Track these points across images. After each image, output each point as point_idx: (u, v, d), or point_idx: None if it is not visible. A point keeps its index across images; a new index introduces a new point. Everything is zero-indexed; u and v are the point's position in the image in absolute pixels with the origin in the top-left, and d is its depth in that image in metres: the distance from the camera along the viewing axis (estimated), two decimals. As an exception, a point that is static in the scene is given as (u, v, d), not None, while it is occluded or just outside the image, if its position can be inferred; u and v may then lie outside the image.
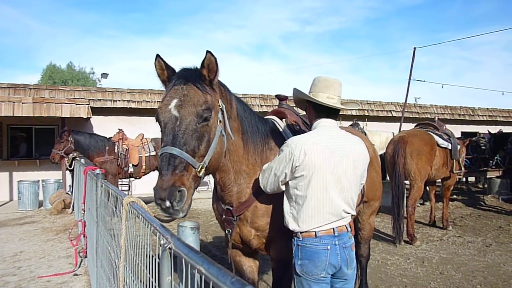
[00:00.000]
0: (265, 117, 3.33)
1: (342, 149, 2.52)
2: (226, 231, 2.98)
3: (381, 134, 11.37)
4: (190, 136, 2.27)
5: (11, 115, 10.72)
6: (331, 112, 2.66)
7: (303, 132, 3.28)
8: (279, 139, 3.14)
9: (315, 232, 2.46)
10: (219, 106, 2.49)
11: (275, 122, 3.31)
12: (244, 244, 3.06)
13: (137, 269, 2.19)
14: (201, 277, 1.24)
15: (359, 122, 11.63)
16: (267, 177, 2.60)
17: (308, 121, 3.48)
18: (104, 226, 3.56)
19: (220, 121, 2.47)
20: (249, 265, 3.31)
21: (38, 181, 11.75)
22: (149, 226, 1.85)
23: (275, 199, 2.90)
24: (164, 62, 2.52)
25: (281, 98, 3.67)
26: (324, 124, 2.61)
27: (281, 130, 3.25)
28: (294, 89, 2.85)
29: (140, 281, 2.11)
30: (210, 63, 2.42)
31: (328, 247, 2.45)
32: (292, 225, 2.55)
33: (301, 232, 2.50)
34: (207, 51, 2.39)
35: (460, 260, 6.41)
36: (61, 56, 69.20)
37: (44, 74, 37.73)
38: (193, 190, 2.27)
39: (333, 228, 2.48)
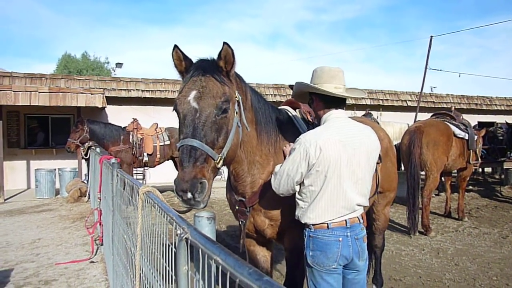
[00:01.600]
0: (279, 107, 3.32)
1: (355, 140, 2.48)
2: (240, 222, 2.99)
3: (394, 125, 11.23)
4: (210, 128, 2.27)
5: (28, 104, 10.89)
6: (340, 102, 2.62)
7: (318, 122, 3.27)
8: (293, 129, 3.13)
9: (327, 223, 2.45)
10: (236, 97, 2.48)
11: (288, 112, 3.30)
12: (258, 234, 3.08)
13: (153, 258, 2.21)
14: (217, 267, 1.25)
15: (372, 112, 11.48)
16: (279, 179, 2.53)
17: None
18: (120, 215, 3.60)
19: (236, 112, 2.46)
20: (263, 254, 3.33)
21: (55, 169, 11.94)
22: (165, 215, 1.85)
23: None
24: (182, 52, 2.51)
25: (294, 88, 3.64)
26: (337, 116, 2.56)
27: (294, 120, 3.23)
28: (297, 82, 2.81)
29: (156, 270, 2.13)
30: (227, 55, 2.42)
31: (340, 239, 2.44)
32: (304, 219, 2.53)
33: (313, 224, 2.49)
34: (224, 43, 2.38)
35: (476, 251, 6.34)
36: (76, 45, 69.93)
37: (59, 64, 38.07)
38: (212, 181, 2.29)
39: (346, 220, 2.46)
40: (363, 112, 11.58)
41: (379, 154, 3.91)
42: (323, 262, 2.45)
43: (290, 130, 3.09)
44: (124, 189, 3.40)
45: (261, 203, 2.89)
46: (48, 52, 73.97)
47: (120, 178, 3.59)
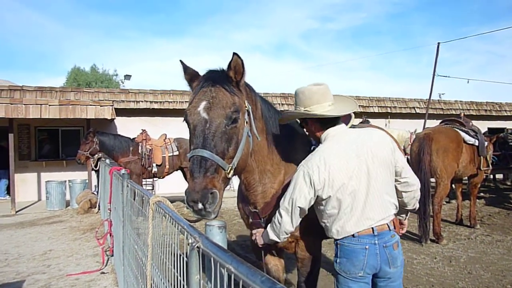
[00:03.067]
0: None
1: (360, 152, 2.43)
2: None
3: (393, 132, 11.12)
4: (220, 138, 2.28)
5: (39, 117, 11.02)
6: (337, 118, 2.57)
7: None
8: (303, 138, 3.14)
9: (353, 233, 2.41)
10: (246, 107, 2.49)
11: (297, 121, 3.31)
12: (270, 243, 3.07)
13: (164, 268, 2.21)
14: (229, 276, 1.25)
15: (369, 120, 11.36)
16: (291, 214, 2.48)
17: None
18: (131, 225, 3.62)
19: (246, 122, 2.47)
20: (274, 263, 3.32)
21: (65, 181, 12.04)
22: (177, 225, 1.87)
23: None
24: (188, 68, 2.61)
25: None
26: (333, 134, 2.53)
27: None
28: (286, 112, 2.82)
29: (168, 280, 2.13)
30: (236, 65, 2.43)
31: (367, 247, 2.38)
32: (329, 234, 2.53)
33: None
34: (234, 53, 2.39)
35: (489, 259, 6.25)
36: (85, 58, 70.80)
37: (69, 77, 38.56)
38: (223, 191, 2.29)
39: (372, 228, 2.40)
40: (360, 120, 11.47)
41: None
42: (349, 269, 2.42)
43: (300, 139, 3.10)
44: (134, 199, 3.42)
45: (273, 213, 2.89)
46: (57, 65, 75.14)
47: (130, 188, 3.61)
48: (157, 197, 2.41)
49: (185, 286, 1.74)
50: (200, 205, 2.11)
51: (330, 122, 2.55)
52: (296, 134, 3.11)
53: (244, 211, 3.12)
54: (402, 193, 2.64)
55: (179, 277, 1.87)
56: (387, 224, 2.45)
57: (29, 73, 69.40)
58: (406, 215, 2.96)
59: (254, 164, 2.73)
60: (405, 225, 3.05)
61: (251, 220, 2.98)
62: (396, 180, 2.58)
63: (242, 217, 3.32)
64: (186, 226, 1.73)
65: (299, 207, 2.43)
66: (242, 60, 2.42)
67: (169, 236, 2.10)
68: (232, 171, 2.32)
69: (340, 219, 2.42)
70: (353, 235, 2.40)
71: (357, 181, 2.39)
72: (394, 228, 2.53)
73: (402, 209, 2.75)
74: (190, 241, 1.59)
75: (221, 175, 2.25)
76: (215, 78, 2.43)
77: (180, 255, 1.85)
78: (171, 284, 2.01)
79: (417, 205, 2.79)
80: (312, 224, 2.98)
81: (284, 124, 2.99)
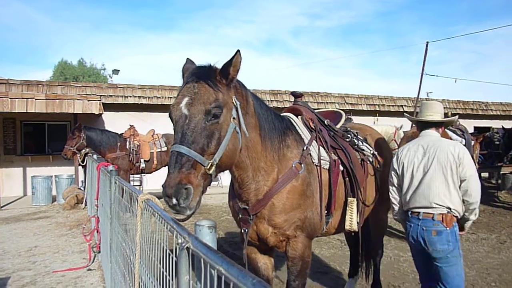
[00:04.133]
0: (281, 114, 3.32)
1: (430, 151, 3.26)
2: (242, 230, 2.97)
3: (378, 127, 11.08)
4: (199, 134, 2.26)
5: (25, 111, 10.85)
6: (428, 124, 3.47)
7: (319, 129, 3.28)
8: (296, 136, 3.13)
9: (409, 212, 3.35)
10: (233, 103, 2.47)
11: (291, 119, 3.30)
12: (261, 242, 3.06)
13: (152, 266, 2.19)
14: (219, 277, 1.24)
15: (352, 118, 11.31)
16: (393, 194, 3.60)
17: (322, 118, 3.48)
18: (118, 222, 3.58)
19: (233, 118, 2.45)
20: (264, 262, 3.31)
21: (51, 176, 11.89)
22: (166, 224, 1.85)
23: (293, 197, 2.90)
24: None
25: (296, 95, 3.65)
26: (425, 134, 3.45)
27: (297, 127, 3.24)
28: (407, 115, 4.10)
29: (156, 279, 2.11)
30: (237, 62, 2.44)
31: (411, 225, 3.32)
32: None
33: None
34: (238, 50, 2.42)
35: (474, 257, 6.34)
36: (72, 52, 69.67)
37: (55, 70, 38.07)
38: (203, 187, 2.24)
39: (419, 212, 3.25)
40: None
41: (379, 161, 3.95)
42: (408, 236, 3.41)
43: (293, 137, 3.10)
44: (122, 196, 3.38)
45: (264, 211, 2.88)
46: (44, 59, 74.05)
47: (118, 185, 3.57)
48: (146, 195, 2.38)
49: (174, 286, 1.72)
50: (174, 200, 2.08)
51: (424, 126, 3.51)
52: (289, 132, 3.10)
53: (234, 209, 3.11)
54: (463, 200, 3.23)
55: (168, 276, 1.85)
56: (434, 214, 3.18)
57: (15, 67, 68.31)
58: (465, 223, 3.38)
59: (247, 161, 2.71)
60: (463, 232, 3.47)
61: (240, 216, 2.96)
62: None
63: (232, 215, 3.30)
64: (175, 226, 1.71)
65: (392, 184, 3.63)
66: (241, 59, 2.45)
67: (157, 234, 2.08)
68: (213, 168, 2.27)
69: (405, 194, 3.44)
70: (410, 214, 3.37)
71: (417, 171, 3.31)
72: (441, 221, 3.18)
73: (463, 217, 3.31)
74: (180, 241, 1.57)
75: (199, 171, 2.21)
76: (200, 74, 2.41)
77: (169, 254, 1.84)
78: (159, 283, 1.99)
79: (473, 217, 3.32)
80: (304, 224, 2.99)
81: (277, 121, 2.98)
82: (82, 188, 11.21)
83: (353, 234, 3.85)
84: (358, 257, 4.70)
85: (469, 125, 15.80)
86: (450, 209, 3.15)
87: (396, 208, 3.57)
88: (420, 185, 3.25)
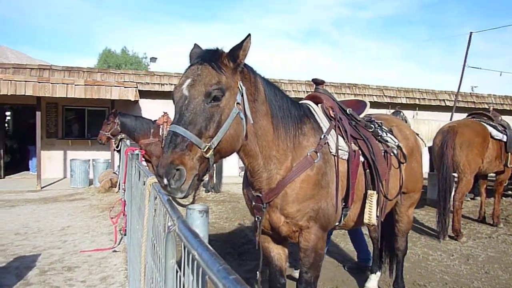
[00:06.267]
0: (300, 102, 3.23)
1: None
2: (256, 218, 2.92)
3: (431, 123, 10.54)
4: (198, 116, 2.20)
5: (65, 96, 11.26)
6: None
7: (340, 118, 3.17)
8: (314, 124, 3.04)
9: None
10: (238, 88, 2.41)
11: (310, 107, 3.20)
12: (274, 231, 3.01)
13: (154, 250, 2.19)
14: (198, 262, 1.19)
15: (401, 111, 10.86)
16: None
17: (344, 107, 3.36)
18: (135, 206, 3.62)
19: (238, 104, 2.39)
20: (277, 252, 3.26)
21: (89, 160, 12.32)
22: (163, 207, 1.83)
23: (306, 186, 2.82)
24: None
25: (317, 82, 3.54)
26: None
27: (316, 115, 3.13)
28: None
29: (154, 262, 2.11)
30: (247, 46, 2.39)
31: None
32: None
33: None
34: (249, 34, 2.39)
35: (510, 259, 6.00)
36: (116, 41, 71.89)
37: (100, 58, 39.29)
38: (199, 171, 2.17)
39: None
40: (393, 110, 11.09)
41: (404, 153, 3.78)
42: None
43: (311, 125, 3.00)
44: (139, 179, 3.42)
45: (277, 200, 2.82)
46: (90, 47, 76.53)
47: (136, 168, 3.61)
48: (154, 178, 2.37)
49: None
50: (165, 181, 2.02)
51: None
52: (307, 120, 3.01)
53: (248, 196, 3.06)
54: None
55: (162, 259, 1.84)
56: None
57: (62, 54, 71.15)
58: None
59: (257, 149, 2.64)
60: None
61: (253, 203, 2.92)
62: None
63: (246, 203, 3.27)
64: (169, 208, 1.68)
65: None
66: (251, 43, 2.40)
67: (158, 218, 2.06)
68: (210, 151, 2.20)
69: None
70: None
71: None
72: None
73: None
74: (169, 224, 1.55)
75: (195, 153, 2.14)
76: (205, 56, 2.36)
77: (164, 238, 1.81)
78: (157, 266, 1.98)
79: None
80: (318, 214, 2.90)
81: (293, 109, 2.90)
82: (117, 173, 11.53)
83: (372, 228, 3.72)
84: (381, 252, 4.55)
85: (516, 121, 14.97)
86: None
87: None
88: None
